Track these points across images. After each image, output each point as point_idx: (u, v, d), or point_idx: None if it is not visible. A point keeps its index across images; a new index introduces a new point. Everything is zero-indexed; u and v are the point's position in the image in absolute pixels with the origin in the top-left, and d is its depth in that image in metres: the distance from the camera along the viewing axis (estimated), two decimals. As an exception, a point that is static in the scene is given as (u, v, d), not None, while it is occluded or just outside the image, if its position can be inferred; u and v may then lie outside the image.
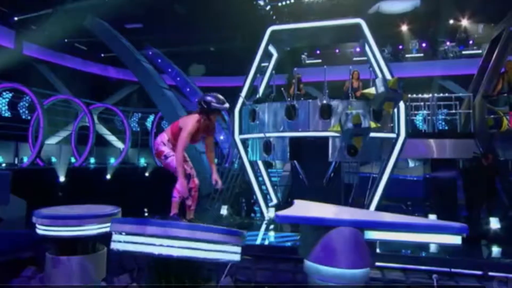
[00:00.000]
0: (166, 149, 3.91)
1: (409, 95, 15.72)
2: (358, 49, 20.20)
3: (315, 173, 8.83)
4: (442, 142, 8.54)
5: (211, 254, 3.22)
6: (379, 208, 8.54)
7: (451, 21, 17.73)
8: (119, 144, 19.69)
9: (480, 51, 18.38)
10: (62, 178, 11.55)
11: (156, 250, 3.13)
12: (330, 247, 3.25)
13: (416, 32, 18.74)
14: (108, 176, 13.88)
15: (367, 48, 9.45)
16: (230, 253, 3.36)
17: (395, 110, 8.39)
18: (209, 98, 3.87)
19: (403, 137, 8.46)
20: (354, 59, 20.36)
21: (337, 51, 20.62)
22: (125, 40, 15.81)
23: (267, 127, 8.54)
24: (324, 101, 8.17)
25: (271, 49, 10.40)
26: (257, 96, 9.67)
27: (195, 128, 3.84)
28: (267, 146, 8.58)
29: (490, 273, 5.33)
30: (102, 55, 19.99)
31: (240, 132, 9.51)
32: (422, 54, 19.29)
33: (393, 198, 10.26)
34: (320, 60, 21.10)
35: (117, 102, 21.83)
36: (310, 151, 8.41)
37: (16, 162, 14.93)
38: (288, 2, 14.76)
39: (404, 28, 18.68)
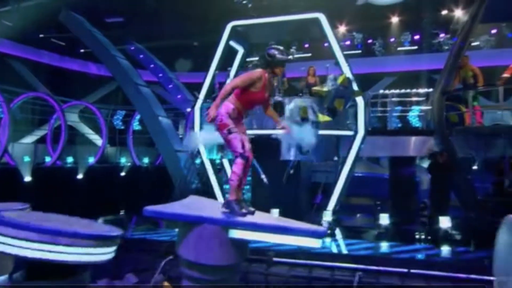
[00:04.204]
0: (231, 123, 3.72)
1: (399, 91, 16.04)
2: (348, 42, 20.48)
3: (274, 172, 9.21)
4: (402, 140, 8.84)
5: (65, 256, 3.57)
6: (344, 207, 8.92)
7: (444, 12, 17.86)
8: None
9: (477, 43, 18.51)
10: (27, 178, 12.10)
11: (13, 251, 3.49)
12: (194, 244, 3.58)
13: (408, 24, 18.90)
14: (80, 176, 14.42)
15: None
16: (93, 254, 3.72)
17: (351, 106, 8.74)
18: (272, 50, 3.81)
19: (362, 134, 8.80)
20: (345, 52, 20.65)
21: (326, 44, 20.87)
22: (101, 35, 16.32)
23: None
24: (278, 98, 8.56)
25: (235, 45, 10.80)
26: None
27: (261, 84, 3.74)
28: (222, 145, 8.99)
29: (413, 271, 5.68)
30: (82, 50, 20.56)
31: (201, 130, 9.95)
32: (415, 47, 19.44)
33: (368, 197, 10.60)
34: (310, 54, 21.39)
35: (99, 100, 22.44)
36: (266, 149, 8.79)
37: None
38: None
39: (395, 20, 18.86)
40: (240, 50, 11.11)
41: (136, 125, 20.39)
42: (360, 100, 8.89)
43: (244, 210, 3.75)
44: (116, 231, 4.03)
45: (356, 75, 12.35)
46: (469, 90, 8.13)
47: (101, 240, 3.78)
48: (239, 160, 3.74)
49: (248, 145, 3.84)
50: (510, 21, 16.14)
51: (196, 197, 4.75)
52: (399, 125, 11.97)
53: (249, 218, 3.69)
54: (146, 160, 19.76)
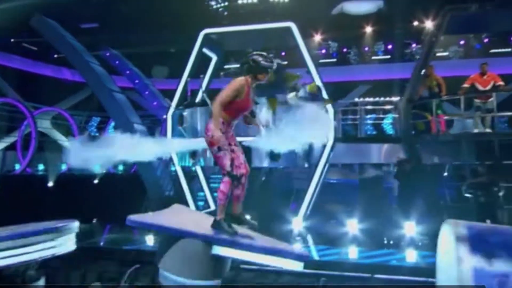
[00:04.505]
0: (222, 139, 3.64)
1: (372, 99, 16.38)
2: (323, 51, 20.88)
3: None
4: (370, 147, 9.07)
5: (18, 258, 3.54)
6: (318, 213, 9.04)
7: (415, 23, 18.44)
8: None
9: (446, 53, 19.19)
10: (-10, 186, 11.79)
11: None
12: (177, 257, 3.57)
13: (381, 34, 19.43)
14: (50, 183, 14.13)
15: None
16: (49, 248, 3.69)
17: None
18: (256, 56, 3.74)
19: (331, 142, 8.98)
20: (321, 61, 21.04)
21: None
22: (74, 41, 16.13)
23: (193, 132, 8.99)
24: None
25: (209, 52, 10.89)
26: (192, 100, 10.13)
27: (244, 92, 3.67)
28: (194, 152, 9.02)
29: (376, 275, 5.82)
30: (55, 56, 20.24)
31: (173, 137, 9.95)
32: (389, 56, 19.96)
33: (342, 203, 10.77)
34: (286, 62, 21.63)
35: (73, 106, 22.07)
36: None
37: None
38: (243, 1, 15.29)
39: (369, 29, 19.35)
40: (214, 58, 11.19)
41: (111, 132, 20.17)
42: (330, 108, 9.08)
43: (233, 230, 3.68)
44: (68, 222, 4.02)
45: (331, 83, 12.60)
46: (433, 98, 8.44)
47: (53, 232, 3.77)
48: (226, 179, 3.69)
49: (239, 161, 3.80)
50: (472, 33, 16.81)
51: (179, 206, 4.68)
52: (374, 132, 12.27)
53: (235, 237, 3.67)
54: (121, 168, 19.52)
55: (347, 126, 11.83)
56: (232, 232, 3.66)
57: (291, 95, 8.19)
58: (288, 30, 9.78)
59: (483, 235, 2.47)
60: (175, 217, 4.21)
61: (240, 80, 3.72)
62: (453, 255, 2.41)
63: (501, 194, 7.27)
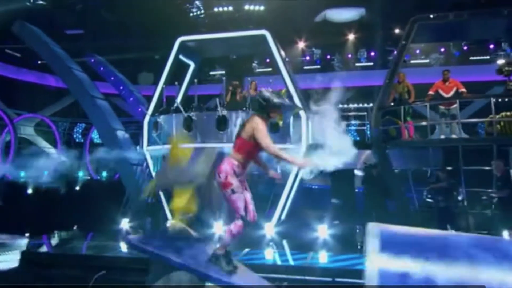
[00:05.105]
0: (235, 182, 3.57)
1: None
2: (307, 58, 21.14)
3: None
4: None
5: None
6: (295, 218, 9.14)
7: (397, 30, 18.78)
8: (62, 157, 19.93)
9: (427, 61, 19.56)
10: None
11: None
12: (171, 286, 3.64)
13: (363, 41, 19.76)
14: (30, 191, 14.12)
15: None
16: None
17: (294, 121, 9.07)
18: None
19: (304, 148, 9.12)
20: (305, 67, 21.31)
21: (287, 59, 21.44)
22: (56, 47, 16.18)
23: (166, 139, 9.08)
24: (222, 113, 8.79)
25: (187, 59, 11.03)
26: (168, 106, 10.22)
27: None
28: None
29: (337, 279, 5.95)
30: (39, 62, 20.24)
31: (150, 143, 10.05)
32: (371, 63, 20.27)
33: (320, 209, 10.91)
34: (270, 69, 21.86)
35: (58, 112, 22.06)
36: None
37: None
38: (224, 9, 15.50)
39: (352, 37, 19.66)
40: (192, 65, 11.33)
41: (97, 138, 20.17)
42: (303, 115, 9.24)
43: (231, 267, 3.69)
44: (13, 239, 4.09)
45: (312, 90, 12.52)
46: (402, 105, 8.65)
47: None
48: (239, 222, 3.61)
49: (251, 207, 3.74)
50: (441, 41, 17.17)
51: (179, 227, 4.53)
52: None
53: (232, 276, 3.68)
54: (104, 174, 19.52)
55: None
56: (229, 270, 3.66)
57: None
58: (263, 37, 9.94)
59: (393, 237, 2.61)
60: (172, 244, 4.07)
61: (259, 119, 3.60)
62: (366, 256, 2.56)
63: (460, 198, 7.45)
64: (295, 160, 3.59)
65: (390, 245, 2.55)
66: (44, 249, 7.86)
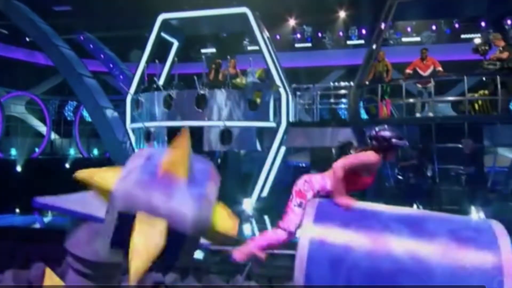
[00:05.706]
0: (309, 198, 3.14)
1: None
2: (299, 35, 20.97)
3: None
4: (319, 131, 9.35)
5: None
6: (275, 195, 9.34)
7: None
8: (52, 135, 20.10)
9: (418, 39, 19.41)
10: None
11: None
12: (81, 239, 3.77)
13: (354, 19, 19.54)
14: (19, 168, 14.31)
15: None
16: None
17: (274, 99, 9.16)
18: (388, 133, 3.21)
19: (284, 126, 9.25)
20: (296, 45, 21.16)
21: (278, 37, 21.28)
22: (43, 24, 16.04)
23: (147, 117, 9.19)
24: (201, 92, 8.87)
25: (169, 37, 11.00)
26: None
27: (374, 169, 3.26)
28: (148, 135, 9.24)
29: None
30: (27, 39, 20.06)
31: (132, 121, 10.16)
32: (363, 41, 20.09)
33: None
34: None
35: (50, 90, 22.02)
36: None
37: None
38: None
39: (343, 14, 19.44)
40: (175, 43, 11.31)
41: (88, 116, 20.23)
42: (283, 93, 9.33)
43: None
44: None
45: (306, 68, 12.52)
46: (380, 84, 8.72)
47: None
48: (282, 234, 3.16)
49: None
50: (422, 19, 17.02)
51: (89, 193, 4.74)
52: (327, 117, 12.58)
53: None
54: (95, 152, 19.69)
55: (323, 110, 12.16)
56: None
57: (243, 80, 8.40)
58: (244, 15, 9.91)
59: (329, 210, 2.78)
60: (82, 201, 4.34)
61: (376, 157, 3.22)
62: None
63: (429, 175, 7.61)
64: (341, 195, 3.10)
65: (324, 216, 2.73)
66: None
